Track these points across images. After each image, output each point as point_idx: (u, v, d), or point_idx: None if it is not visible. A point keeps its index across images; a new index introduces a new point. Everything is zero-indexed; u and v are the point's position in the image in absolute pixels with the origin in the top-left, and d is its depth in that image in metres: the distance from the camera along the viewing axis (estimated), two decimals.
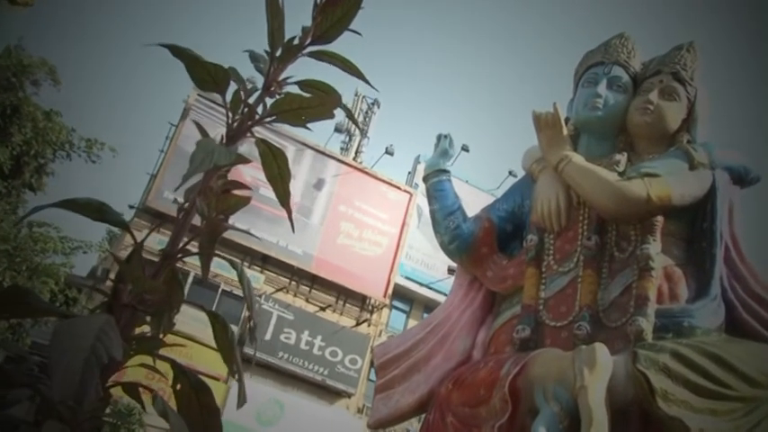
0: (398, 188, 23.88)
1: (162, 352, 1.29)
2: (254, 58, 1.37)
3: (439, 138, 3.56)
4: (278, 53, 1.35)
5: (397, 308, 23.87)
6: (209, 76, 1.31)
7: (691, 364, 2.38)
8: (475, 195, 20.63)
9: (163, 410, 1.15)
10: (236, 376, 1.28)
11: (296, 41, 1.36)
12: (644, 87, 3.16)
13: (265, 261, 21.02)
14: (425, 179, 3.51)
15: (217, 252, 1.28)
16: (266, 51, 1.36)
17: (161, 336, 1.28)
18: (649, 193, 2.79)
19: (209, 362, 15.71)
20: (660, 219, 2.86)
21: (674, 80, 3.11)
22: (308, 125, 1.40)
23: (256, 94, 1.36)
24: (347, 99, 24.92)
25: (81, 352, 0.95)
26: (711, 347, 2.45)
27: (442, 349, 3.21)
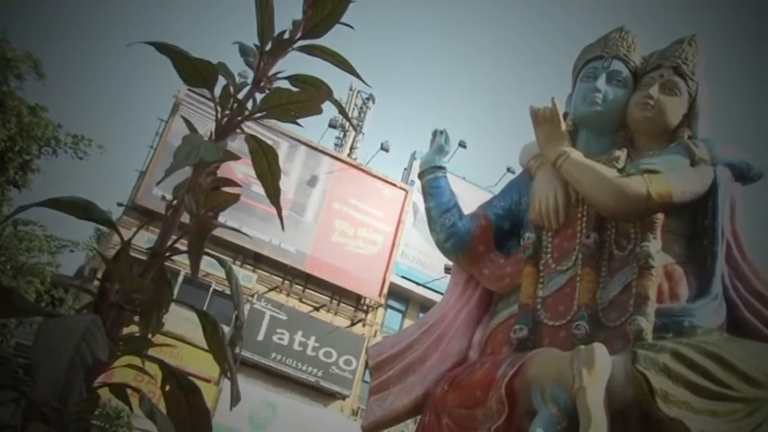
0: (394, 185, 23.87)
1: (151, 353, 1.29)
2: (244, 51, 1.36)
3: (435, 134, 3.56)
4: (267, 47, 1.35)
5: (392, 308, 23.88)
6: (196, 72, 1.31)
7: (691, 364, 2.38)
8: (472, 192, 20.62)
9: (150, 412, 1.15)
10: (229, 376, 1.28)
11: (286, 36, 1.36)
12: (644, 82, 3.16)
13: (258, 260, 21.00)
14: (421, 176, 3.51)
15: (206, 250, 1.28)
16: (255, 45, 1.35)
17: (149, 336, 1.28)
18: (649, 189, 2.79)
19: (199, 363, 15.71)
20: (660, 216, 2.86)
21: (674, 74, 3.11)
22: (300, 120, 1.40)
23: (246, 90, 1.35)
24: (341, 94, 24.89)
25: (65, 353, 0.95)
26: (712, 347, 2.45)
27: (437, 350, 3.21)
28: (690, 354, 2.41)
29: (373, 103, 26.19)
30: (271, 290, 21.05)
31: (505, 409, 2.49)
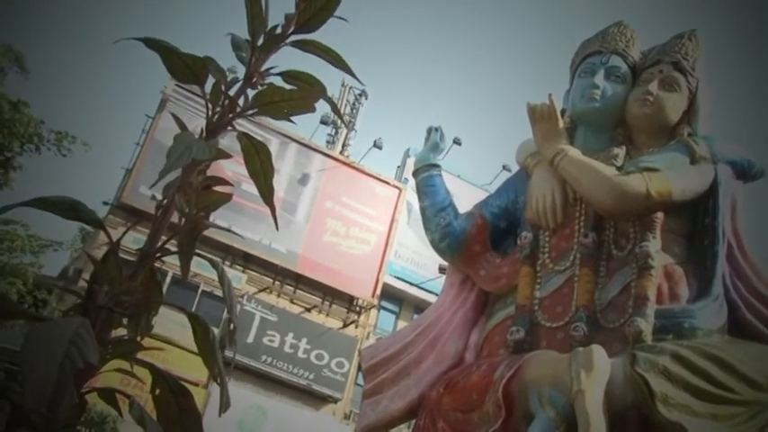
0: (387, 183, 23.88)
1: (138, 356, 1.28)
2: (236, 45, 1.36)
3: (429, 131, 3.56)
4: (259, 42, 1.34)
5: (385, 309, 23.89)
6: (186, 68, 1.31)
7: (692, 366, 2.39)
8: (467, 190, 20.67)
9: (140, 417, 1.14)
10: (219, 381, 1.28)
11: (278, 30, 1.35)
12: (643, 78, 3.16)
13: (248, 260, 20.98)
14: (415, 174, 3.51)
15: (197, 251, 1.28)
16: (247, 40, 1.35)
17: (138, 339, 1.27)
18: (649, 188, 2.80)
19: (187, 366, 15.65)
20: (660, 215, 2.87)
21: (674, 70, 3.12)
22: (292, 118, 1.39)
23: (237, 86, 1.35)
24: (333, 90, 24.88)
25: (55, 357, 0.94)
26: (713, 349, 2.46)
27: (432, 352, 3.21)
28: (690, 356, 2.41)
29: (366, 99, 26.19)
30: (261, 291, 21.03)
31: (502, 412, 2.49)
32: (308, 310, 21.73)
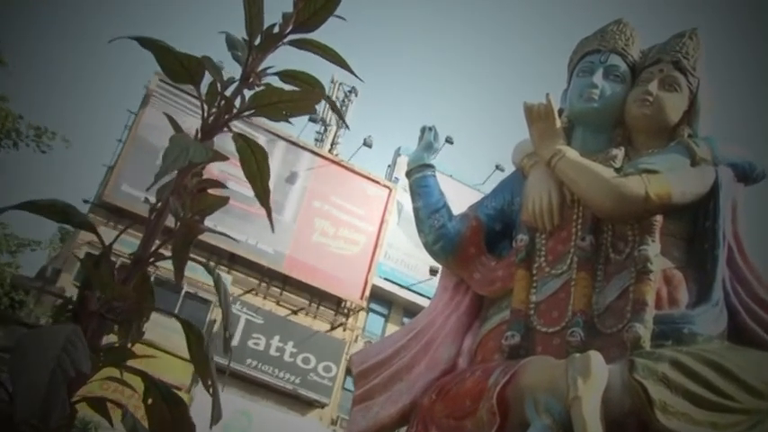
0: (377, 183, 23.89)
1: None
2: (231, 44, 1.35)
3: (423, 130, 3.56)
4: (257, 41, 1.34)
5: (374, 311, 23.90)
6: (181, 67, 1.31)
7: (691, 373, 2.40)
8: (459, 190, 20.68)
9: (133, 426, 1.14)
10: (211, 390, 1.27)
11: (276, 29, 1.35)
12: (643, 77, 3.17)
13: (233, 260, 20.93)
14: (408, 174, 3.51)
15: (192, 255, 1.27)
16: (244, 39, 1.34)
17: (129, 346, 1.27)
18: (648, 190, 2.80)
19: (168, 370, 15.59)
20: (659, 218, 2.87)
21: (674, 69, 3.12)
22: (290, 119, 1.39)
23: (233, 86, 1.35)
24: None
25: (46, 365, 0.93)
26: (713, 356, 2.47)
27: (425, 357, 3.21)
28: (690, 363, 2.42)
29: (356, 96, 26.18)
30: (247, 292, 20.98)
31: (497, 419, 2.49)
32: (295, 312, 21.70)
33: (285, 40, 1.36)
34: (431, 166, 3.50)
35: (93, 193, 21.32)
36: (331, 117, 25.07)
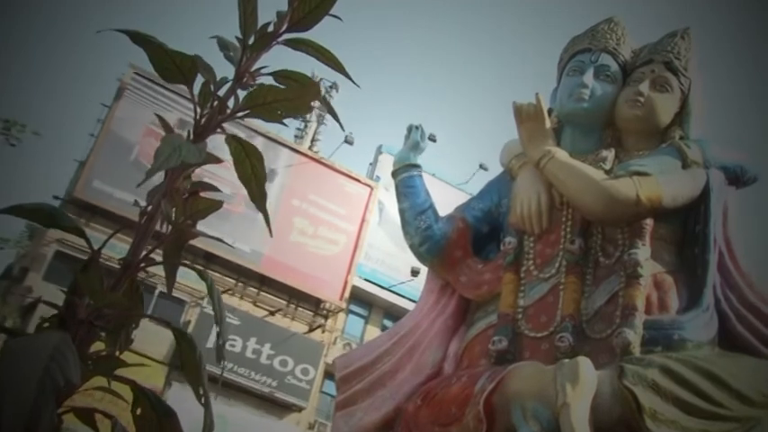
0: (358, 181, 23.89)
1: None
2: (223, 45, 1.34)
3: (410, 129, 3.55)
4: (250, 41, 1.33)
5: (354, 313, 23.91)
6: (174, 66, 1.29)
7: (681, 380, 2.41)
8: (442, 190, 20.71)
9: None
10: (203, 402, 1.25)
11: (270, 28, 1.34)
12: (634, 77, 3.19)
13: (209, 259, 20.80)
14: (394, 174, 3.49)
15: (184, 261, 1.26)
16: (238, 39, 1.33)
17: (118, 354, 1.25)
18: (639, 193, 2.82)
19: (140, 372, 15.46)
20: (649, 222, 2.89)
21: (666, 70, 3.14)
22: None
23: (226, 86, 1.33)
24: None
25: (33, 375, 0.92)
26: (703, 362, 2.49)
27: (410, 362, 3.20)
28: (680, 369, 2.44)
29: (337, 92, 26.12)
30: (223, 292, 20.71)
31: (483, 426, 2.49)
32: (272, 313, 21.64)
33: (280, 40, 1.35)
34: (417, 166, 3.49)
35: (63, 188, 21.09)
36: (310, 113, 25.02)
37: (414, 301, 22.92)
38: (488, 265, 3.22)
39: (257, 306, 21.53)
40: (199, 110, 1.30)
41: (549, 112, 3.29)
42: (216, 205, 1.28)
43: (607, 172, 3.00)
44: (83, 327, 1.14)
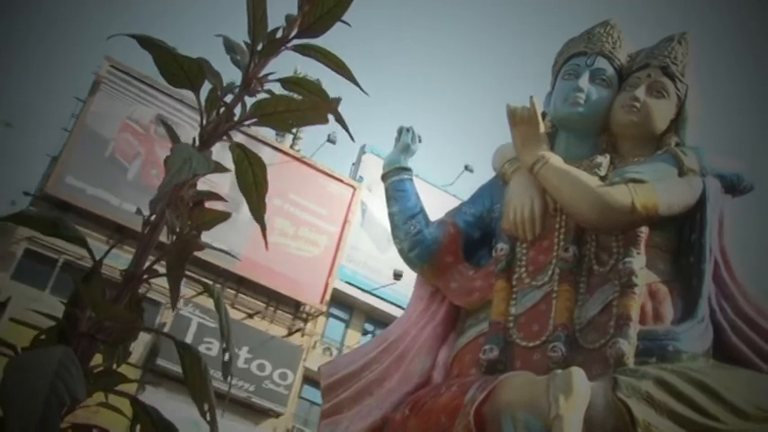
0: (341, 181, 23.86)
1: None
2: (229, 47, 1.33)
3: (400, 131, 3.55)
4: (259, 47, 1.31)
5: (334, 316, 23.88)
6: (181, 71, 1.27)
7: (676, 392, 2.42)
8: (426, 191, 20.71)
9: None
10: (208, 418, 1.24)
11: (279, 33, 1.33)
12: (630, 82, 3.20)
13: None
14: (384, 177, 3.49)
15: (188, 273, 1.25)
16: (246, 43, 1.32)
17: (115, 367, 1.23)
18: (634, 201, 2.83)
19: None
20: (645, 230, 2.90)
21: (663, 75, 3.15)
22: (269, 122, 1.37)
23: (233, 93, 1.32)
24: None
25: (39, 392, 0.90)
26: (698, 375, 2.49)
27: (398, 370, 3.20)
28: (675, 381, 2.45)
29: None
30: (199, 294, 20.73)
31: None
32: (251, 315, 21.55)
33: (289, 45, 1.34)
34: (408, 170, 3.49)
35: (34, 184, 20.86)
36: None
37: (396, 305, 22.89)
38: (480, 272, 3.22)
39: (235, 308, 21.41)
40: (205, 117, 1.28)
41: (543, 115, 3.28)
42: (223, 217, 1.27)
43: (602, 178, 3.01)
44: (84, 340, 1.13)
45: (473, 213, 3.38)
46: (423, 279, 3.45)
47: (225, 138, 1.28)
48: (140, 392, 18.23)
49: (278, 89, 1.33)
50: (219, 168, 1.19)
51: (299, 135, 25.20)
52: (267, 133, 23.95)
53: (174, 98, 20.97)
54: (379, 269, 23.23)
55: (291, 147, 24.39)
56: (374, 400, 3.15)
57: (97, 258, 1.17)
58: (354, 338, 23.55)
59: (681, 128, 3.19)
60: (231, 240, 21.02)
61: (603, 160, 3.12)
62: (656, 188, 2.88)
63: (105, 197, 20.32)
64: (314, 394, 22.12)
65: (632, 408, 2.37)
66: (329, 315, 23.53)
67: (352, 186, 23.94)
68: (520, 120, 3.17)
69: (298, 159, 23.54)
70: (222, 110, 1.28)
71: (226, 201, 1.33)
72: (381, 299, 23.26)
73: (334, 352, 22.86)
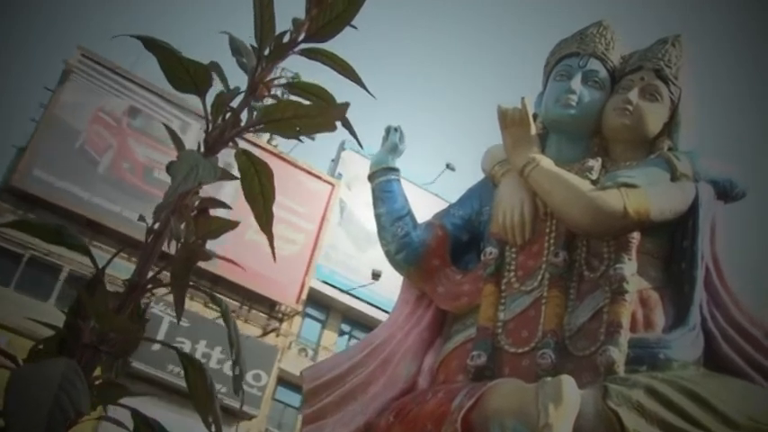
0: (319, 178, 23.83)
1: None
2: (235, 48, 1.31)
3: (388, 130, 3.54)
4: (266, 51, 1.30)
5: (310, 316, 23.85)
6: (187, 75, 1.26)
7: (667, 402, 2.44)
8: (408, 190, 20.74)
9: None
10: (213, 429, 1.24)
11: (287, 38, 1.32)
12: (623, 85, 3.21)
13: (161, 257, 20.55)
14: (371, 178, 3.48)
15: (192, 284, 1.23)
16: (252, 47, 1.31)
17: (114, 378, 1.22)
18: (626, 206, 2.84)
19: None
20: (636, 235, 2.91)
21: (656, 78, 3.16)
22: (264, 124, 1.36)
23: (239, 97, 1.31)
24: None
25: (43, 405, 0.89)
26: (689, 384, 2.51)
27: (383, 375, 3.19)
28: (666, 390, 2.46)
29: None
30: (170, 292, 20.61)
31: None
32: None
33: (296, 50, 1.33)
34: (395, 170, 3.48)
35: None
36: None
37: (374, 306, 22.85)
38: (468, 276, 3.22)
39: (208, 307, 21.26)
40: (211, 122, 1.27)
41: (534, 117, 3.29)
42: (231, 225, 1.26)
43: (593, 182, 3.02)
44: (87, 351, 1.12)
45: (461, 216, 3.38)
46: (409, 283, 3.45)
47: (231, 144, 1.28)
48: None
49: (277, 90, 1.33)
50: (227, 176, 1.19)
51: None
52: None
53: (149, 90, 20.82)
54: (358, 269, 23.23)
55: (269, 142, 24.29)
56: (358, 406, 3.14)
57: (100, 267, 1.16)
58: (331, 339, 23.54)
59: (674, 132, 3.20)
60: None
61: (595, 164, 3.13)
62: (648, 193, 2.89)
63: (74, 191, 20.11)
64: (288, 396, 22.08)
65: (623, 417, 2.38)
66: (305, 315, 23.50)
67: (330, 184, 23.91)
68: (511, 121, 3.17)
69: (275, 155, 23.43)
70: (228, 115, 1.28)
71: (230, 208, 1.32)
72: (359, 299, 23.26)
73: (310, 353, 22.83)
